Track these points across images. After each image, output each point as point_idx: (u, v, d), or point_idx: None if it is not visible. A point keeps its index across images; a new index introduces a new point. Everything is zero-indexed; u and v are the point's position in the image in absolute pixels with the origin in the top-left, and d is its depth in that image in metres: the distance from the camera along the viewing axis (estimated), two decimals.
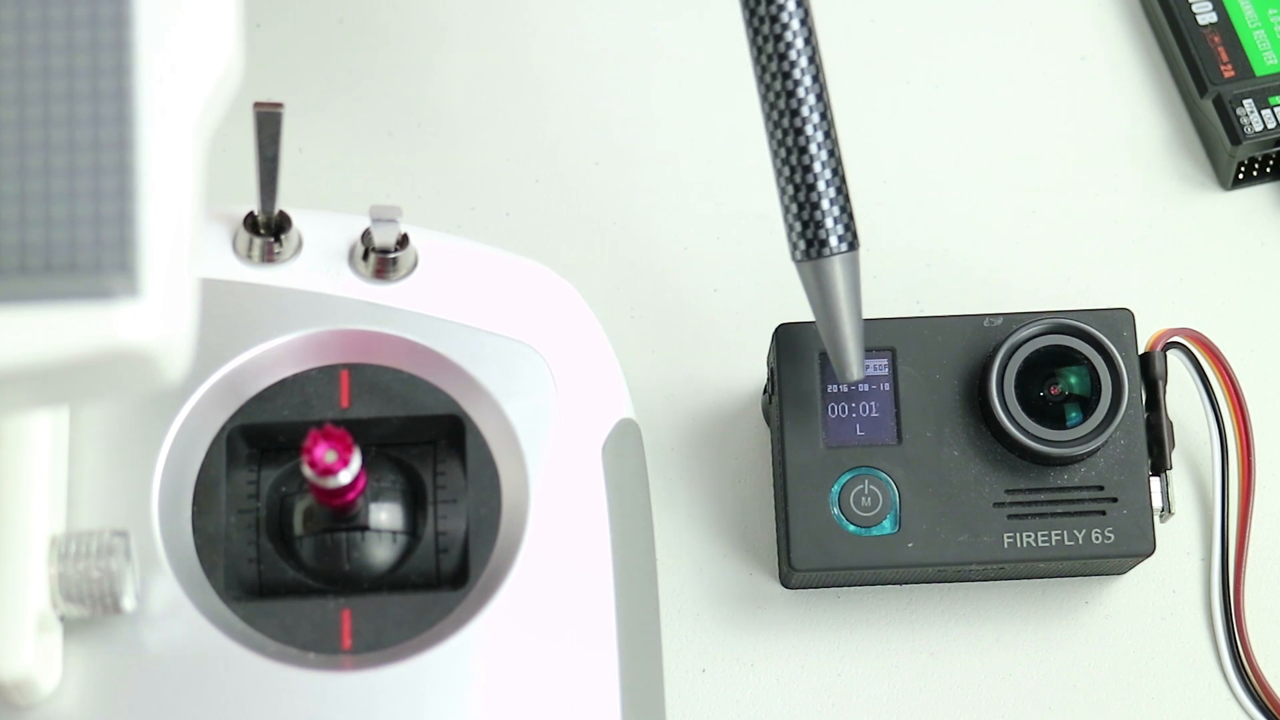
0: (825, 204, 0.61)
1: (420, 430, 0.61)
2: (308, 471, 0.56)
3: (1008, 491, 0.64)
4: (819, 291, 0.62)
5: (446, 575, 0.60)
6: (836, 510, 0.64)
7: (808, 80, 0.60)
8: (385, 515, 0.60)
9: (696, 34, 0.74)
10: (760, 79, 0.61)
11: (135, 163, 0.46)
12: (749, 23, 0.60)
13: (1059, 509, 0.64)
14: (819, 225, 0.61)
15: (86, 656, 0.57)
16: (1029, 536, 0.64)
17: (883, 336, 0.65)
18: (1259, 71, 0.72)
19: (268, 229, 0.61)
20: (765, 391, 0.68)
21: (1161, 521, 0.66)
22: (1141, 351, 0.66)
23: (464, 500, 0.60)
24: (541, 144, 0.73)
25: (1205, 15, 0.73)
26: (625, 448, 0.61)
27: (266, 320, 0.60)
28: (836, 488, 0.64)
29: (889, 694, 0.67)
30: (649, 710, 0.60)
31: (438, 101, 0.74)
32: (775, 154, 0.61)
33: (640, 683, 0.60)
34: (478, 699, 0.57)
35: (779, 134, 0.61)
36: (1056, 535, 0.64)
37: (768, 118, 0.61)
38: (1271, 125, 0.71)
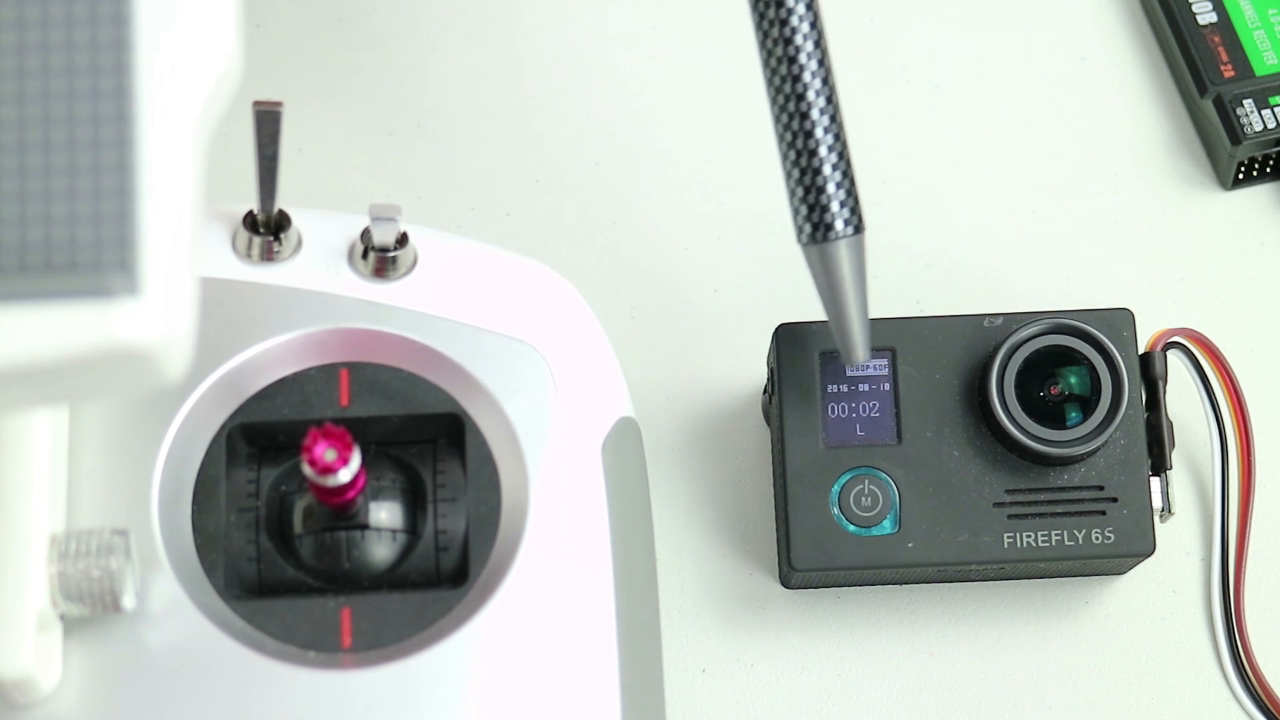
0: (831, 187, 0.61)
1: (420, 429, 0.61)
2: (307, 470, 0.56)
3: (1008, 491, 0.64)
4: (825, 275, 0.61)
5: (446, 574, 0.60)
6: (836, 510, 0.64)
7: (813, 64, 0.60)
8: (385, 514, 0.60)
9: (697, 34, 0.74)
10: (766, 63, 0.60)
11: (135, 161, 0.46)
12: (754, 6, 0.60)
13: (1059, 509, 0.64)
14: (824, 208, 0.61)
15: (86, 655, 0.57)
16: (1029, 536, 0.64)
17: (883, 336, 0.65)
18: (1259, 71, 0.72)
19: (267, 228, 0.61)
20: (765, 391, 0.68)
21: (1161, 521, 0.66)
22: (1141, 351, 0.66)
23: (464, 499, 0.60)
24: (541, 144, 0.73)
25: (1205, 15, 0.73)
26: (625, 446, 0.61)
27: (266, 319, 0.60)
28: (836, 488, 0.64)
29: (889, 694, 0.67)
30: (649, 710, 0.60)
31: (438, 101, 0.74)
32: (781, 137, 0.61)
33: (640, 682, 0.60)
34: (477, 698, 0.57)
35: (785, 117, 0.60)
36: (1056, 535, 0.64)
37: (773, 102, 0.61)
38: (1271, 125, 0.71)
